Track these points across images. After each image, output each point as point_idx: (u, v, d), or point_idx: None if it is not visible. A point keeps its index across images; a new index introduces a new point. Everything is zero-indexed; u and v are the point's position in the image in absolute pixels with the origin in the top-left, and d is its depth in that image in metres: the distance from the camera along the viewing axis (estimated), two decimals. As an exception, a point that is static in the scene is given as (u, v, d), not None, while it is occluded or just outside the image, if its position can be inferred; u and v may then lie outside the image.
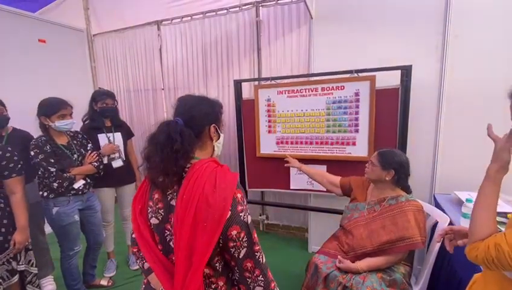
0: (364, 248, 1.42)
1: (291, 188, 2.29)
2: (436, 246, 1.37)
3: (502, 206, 1.46)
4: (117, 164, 2.09)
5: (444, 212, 1.56)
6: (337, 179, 1.78)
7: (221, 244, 0.72)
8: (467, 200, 1.47)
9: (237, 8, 2.57)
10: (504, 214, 1.35)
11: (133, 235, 0.86)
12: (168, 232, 0.78)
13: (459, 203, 1.62)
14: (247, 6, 2.53)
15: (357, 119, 1.95)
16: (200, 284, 0.70)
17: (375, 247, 1.39)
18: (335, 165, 2.09)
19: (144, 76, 3.19)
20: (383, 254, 1.37)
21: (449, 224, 1.41)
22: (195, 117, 0.80)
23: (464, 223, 1.42)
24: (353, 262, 1.39)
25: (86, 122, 2.06)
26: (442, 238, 1.02)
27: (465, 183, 1.83)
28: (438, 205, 1.77)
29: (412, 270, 1.47)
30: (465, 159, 1.88)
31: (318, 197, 2.35)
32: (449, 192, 1.85)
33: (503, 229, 0.78)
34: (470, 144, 1.85)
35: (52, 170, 1.61)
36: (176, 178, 0.75)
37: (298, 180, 2.26)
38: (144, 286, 0.93)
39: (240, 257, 0.73)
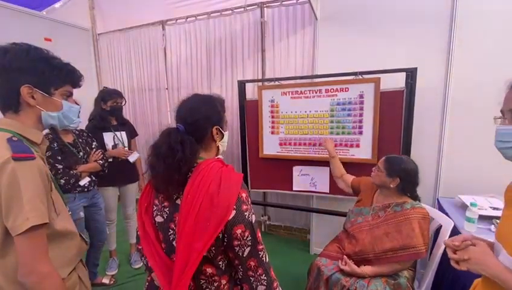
0: (365, 254, 1.41)
1: (294, 189, 2.29)
2: (439, 251, 1.36)
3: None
4: (133, 158, 2.13)
5: (448, 216, 1.55)
6: (349, 178, 1.79)
7: (225, 243, 0.73)
8: (471, 204, 1.46)
9: (242, 9, 2.57)
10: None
11: (139, 233, 0.87)
12: (172, 231, 0.78)
13: (463, 207, 1.61)
14: (251, 7, 2.53)
15: (361, 121, 1.94)
16: (188, 281, 0.71)
17: (377, 254, 1.37)
18: (338, 167, 2.09)
19: (148, 75, 3.20)
20: (384, 261, 1.35)
21: (453, 228, 1.40)
22: (196, 121, 0.79)
23: (468, 228, 1.41)
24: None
25: (91, 121, 2.07)
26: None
27: (470, 187, 1.82)
28: (441, 209, 1.76)
29: (415, 275, 1.46)
30: (470, 162, 1.87)
31: (321, 199, 2.35)
32: (453, 196, 1.84)
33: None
34: (475, 148, 1.84)
35: (59, 167, 1.63)
36: (181, 184, 0.75)
37: (301, 181, 2.26)
38: (147, 284, 0.94)
39: (244, 255, 0.74)
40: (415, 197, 1.46)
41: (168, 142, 0.74)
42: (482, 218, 1.45)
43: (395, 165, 1.42)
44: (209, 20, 2.73)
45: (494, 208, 1.55)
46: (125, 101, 2.18)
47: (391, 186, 1.41)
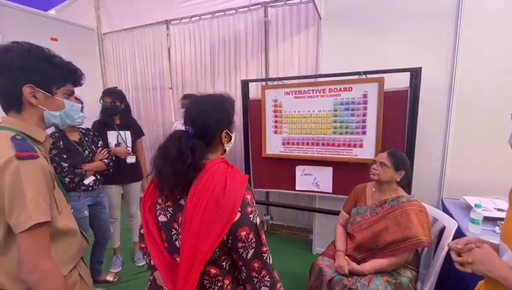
0: (370, 250, 1.43)
1: (296, 189, 2.29)
2: (442, 252, 1.35)
3: None
4: (130, 160, 2.16)
5: (452, 217, 1.54)
6: (344, 215, 1.67)
7: (229, 245, 0.73)
8: (476, 205, 1.45)
9: (245, 8, 2.57)
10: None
11: (141, 231, 0.88)
12: (175, 231, 0.78)
13: (468, 208, 1.60)
14: (255, 7, 2.53)
15: (364, 121, 1.94)
16: (195, 283, 0.71)
17: (380, 248, 1.39)
18: (341, 166, 2.08)
19: (152, 75, 3.22)
20: (388, 254, 1.36)
21: (457, 229, 1.39)
22: (207, 125, 0.78)
23: (472, 229, 1.40)
24: (358, 264, 1.39)
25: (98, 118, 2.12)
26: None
27: (474, 188, 1.81)
28: (445, 210, 1.75)
29: (418, 275, 1.45)
30: (475, 163, 1.85)
31: (323, 199, 2.34)
32: (457, 197, 1.82)
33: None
34: (480, 148, 1.83)
35: (65, 165, 1.65)
36: (187, 187, 0.74)
37: (304, 181, 2.26)
38: (149, 283, 0.94)
39: (248, 257, 0.73)
40: (404, 187, 1.52)
41: (178, 147, 0.74)
42: (486, 219, 1.44)
43: (399, 158, 1.47)
44: (213, 19, 2.73)
45: (499, 210, 1.53)
46: (119, 102, 2.11)
47: (397, 180, 1.46)
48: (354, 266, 1.37)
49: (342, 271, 1.39)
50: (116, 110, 2.12)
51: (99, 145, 1.91)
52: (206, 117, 0.79)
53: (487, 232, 1.39)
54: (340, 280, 1.36)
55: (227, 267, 0.78)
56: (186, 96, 2.44)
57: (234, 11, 2.62)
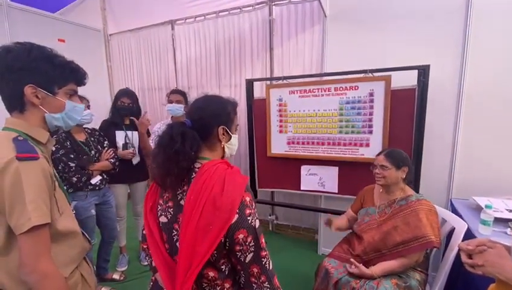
0: (378, 251, 1.40)
1: (301, 189, 2.27)
2: (452, 254, 1.32)
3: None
4: (136, 160, 2.19)
5: (462, 218, 1.50)
6: (349, 212, 1.68)
7: (227, 247, 0.72)
8: (486, 206, 1.41)
9: (250, 7, 2.56)
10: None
11: (144, 232, 0.88)
12: (176, 232, 0.78)
13: (478, 209, 1.56)
14: (260, 5, 2.52)
15: (370, 120, 1.91)
16: (191, 286, 0.70)
17: (389, 249, 1.37)
18: (347, 166, 2.06)
19: (158, 75, 3.24)
20: (397, 255, 1.34)
21: (467, 231, 1.36)
22: (202, 118, 0.80)
23: (483, 230, 1.37)
24: (365, 266, 1.37)
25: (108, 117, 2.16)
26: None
27: (484, 189, 1.77)
28: (454, 211, 1.71)
29: (428, 278, 1.43)
30: (485, 162, 1.81)
31: (329, 199, 2.32)
32: (467, 197, 1.78)
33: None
34: (490, 147, 1.78)
35: (72, 165, 1.67)
36: (180, 179, 0.76)
37: (309, 181, 2.24)
38: (151, 284, 0.94)
39: (246, 261, 0.72)
40: (410, 183, 1.51)
41: (170, 133, 0.76)
42: (497, 220, 1.40)
43: (398, 156, 1.45)
44: (218, 19, 2.73)
45: (511, 211, 1.49)
46: (133, 103, 2.16)
47: (402, 177, 1.44)
48: (364, 269, 1.34)
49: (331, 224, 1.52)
50: (131, 110, 2.15)
51: (105, 145, 1.93)
52: (201, 110, 0.81)
53: (498, 233, 1.35)
54: (347, 281, 1.34)
55: (226, 271, 0.76)
56: (174, 91, 2.32)
57: (239, 10, 2.61)
